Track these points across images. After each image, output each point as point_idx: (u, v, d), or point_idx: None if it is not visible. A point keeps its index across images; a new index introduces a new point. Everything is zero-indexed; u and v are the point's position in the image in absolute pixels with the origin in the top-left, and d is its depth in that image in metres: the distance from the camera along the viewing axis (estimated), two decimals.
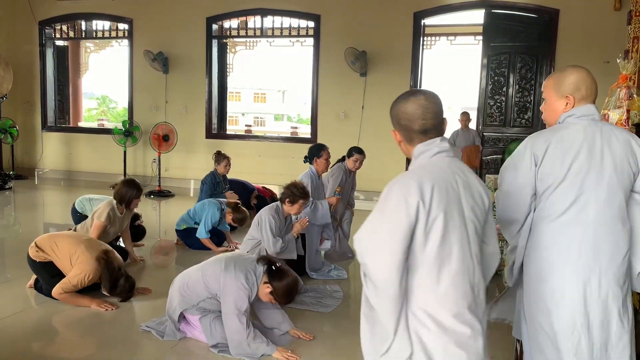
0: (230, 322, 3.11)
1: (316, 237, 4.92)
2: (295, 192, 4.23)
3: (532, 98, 8.21)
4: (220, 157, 6.67)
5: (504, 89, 8.31)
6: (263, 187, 7.66)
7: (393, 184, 1.66)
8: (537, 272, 2.09)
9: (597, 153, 2.01)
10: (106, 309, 3.81)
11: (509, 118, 8.36)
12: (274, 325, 3.40)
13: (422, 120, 1.76)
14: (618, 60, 4.97)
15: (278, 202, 4.37)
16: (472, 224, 1.71)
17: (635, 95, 4.77)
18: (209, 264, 3.33)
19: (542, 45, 8.04)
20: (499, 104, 8.37)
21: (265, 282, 3.17)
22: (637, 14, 5.62)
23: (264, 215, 4.22)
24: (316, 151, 4.99)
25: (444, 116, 1.82)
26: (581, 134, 2.05)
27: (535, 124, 8.14)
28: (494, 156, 8.38)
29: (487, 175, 5.53)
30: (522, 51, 8.17)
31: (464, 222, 1.68)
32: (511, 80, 8.27)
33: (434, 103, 1.77)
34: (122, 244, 5.09)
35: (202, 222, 5.45)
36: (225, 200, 5.83)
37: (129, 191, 4.76)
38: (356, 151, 5.43)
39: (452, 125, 9.07)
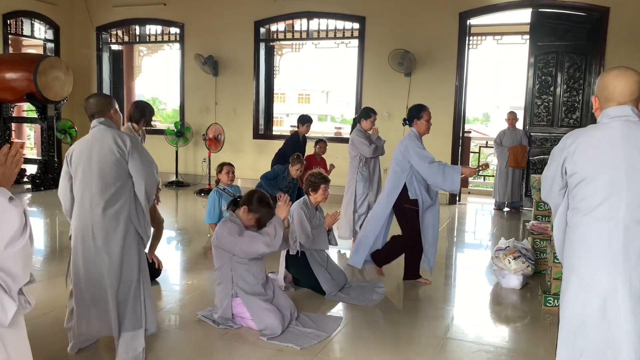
0: (242, 246, 3.46)
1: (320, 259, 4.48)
2: (315, 180, 4.39)
3: (580, 98, 8.09)
4: (297, 160, 6.42)
5: (552, 88, 8.22)
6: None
7: None
8: (570, 262, 2.19)
9: (627, 153, 2.07)
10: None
11: (556, 118, 8.25)
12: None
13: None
14: None
15: (305, 196, 4.50)
16: None
17: None
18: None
19: (591, 44, 7.91)
20: (546, 104, 8.27)
21: (241, 210, 3.58)
22: None
23: (295, 210, 4.35)
24: (416, 112, 4.52)
25: None
26: (612, 133, 2.11)
27: (584, 123, 8.00)
28: (542, 156, 8.29)
29: (532, 175, 5.54)
30: (570, 50, 8.05)
31: None
32: (559, 79, 8.17)
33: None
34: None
35: (207, 208, 5.75)
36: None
37: (137, 111, 4.79)
38: (372, 112, 5.80)
39: (500, 124, 9.01)
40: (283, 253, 4.33)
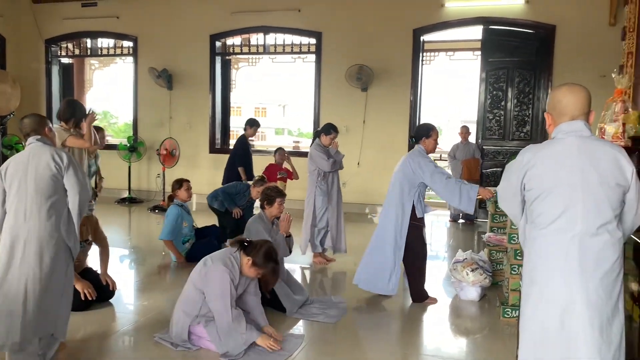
0: (216, 306, 3.31)
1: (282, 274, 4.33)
2: (270, 193, 4.38)
3: (530, 112, 8.36)
4: (259, 182, 6.33)
5: (503, 103, 8.47)
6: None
7: None
8: (529, 275, 2.24)
9: (582, 168, 2.14)
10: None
11: (508, 131, 8.49)
12: (248, 320, 3.50)
13: None
14: (613, 75, 5.12)
15: (260, 211, 4.48)
16: None
17: (630, 109, 4.90)
18: (194, 270, 3.54)
19: (539, 60, 8.21)
20: (497, 118, 8.51)
21: (245, 259, 3.40)
22: (631, 30, 5.78)
23: (251, 226, 4.33)
24: (425, 131, 4.53)
25: None
26: (568, 149, 2.18)
27: (534, 136, 8.27)
28: (494, 169, 8.51)
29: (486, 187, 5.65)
30: (520, 66, 8.33)
31: None
32: (510, 94, 8.42)
33: None
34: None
35: (166, 227, 5.49)
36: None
37: (67, 110, 4.64)
38: (333, 129, 5.79)
39: (453, 138, 9.20)
40: None
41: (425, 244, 4.54)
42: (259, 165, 7.61)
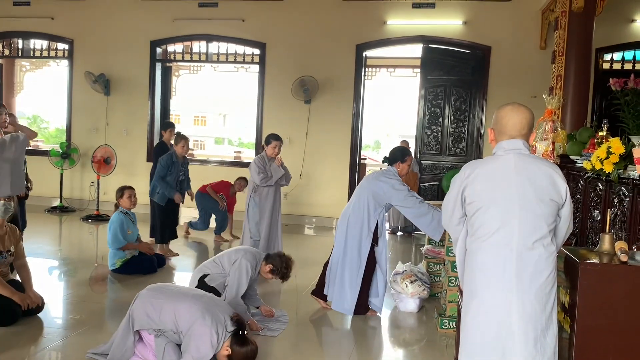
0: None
1: None
2: (283, 270, 4.18)
3: (466, 129, 8.66)
4: (179, 137, 6.38)
5: (440, 119, 8.74)
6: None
7: None
8: (469, 286, 2.32)
9: (519, 184, 2.24)
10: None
11: (444, 147, 8.76)
12: None
13: None
14: (544, 96, 5.40)
15: (262, 256, 4.30)
16: None
17: (559, 129, 5.19)
18: (187, 299, 3.26)
19: (475, 79, 8.54)
20: (435, 134, 8.77)
21: (227, 345, 3.13)
22: (560, 54, 6.13)
23: (245, 262, 4.09)
24: (401, 156, 4.59)
25: None
26: (506, 165, 2.28)
27: (470, 153, 8.58)
28: (431, 183, 8.74)
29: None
30: (457, 84, 8.64)
31: None
32: (447, 111, 8.71)
33: None
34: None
35: (110, 235, 5.38)
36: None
37: None
38: (273, 138, 5.77)
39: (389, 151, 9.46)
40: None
41: (375, 261, 4.55)
42: (196, 174, 7.48)
